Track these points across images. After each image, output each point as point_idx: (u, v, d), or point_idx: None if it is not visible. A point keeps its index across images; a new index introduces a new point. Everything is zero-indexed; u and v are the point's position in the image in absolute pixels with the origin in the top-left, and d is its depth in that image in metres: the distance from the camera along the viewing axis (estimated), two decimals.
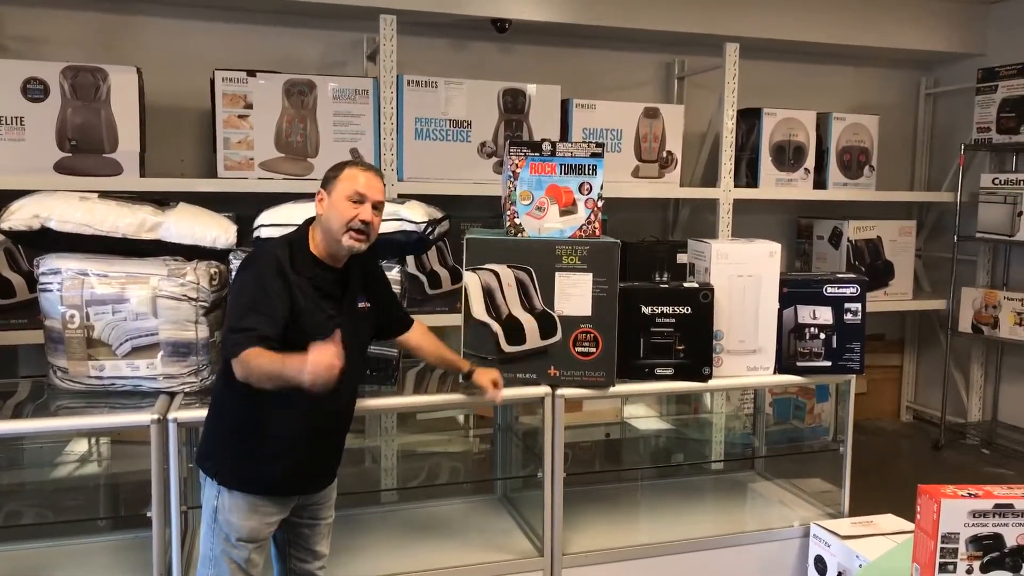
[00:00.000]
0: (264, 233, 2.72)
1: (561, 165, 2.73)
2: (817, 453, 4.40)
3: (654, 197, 4.72)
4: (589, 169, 2.74)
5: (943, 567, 2.13)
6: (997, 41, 5.11)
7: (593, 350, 2.75)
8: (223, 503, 2.18)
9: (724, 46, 4.33)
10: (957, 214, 4.94)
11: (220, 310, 2.64)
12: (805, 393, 4.72)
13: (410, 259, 3.83)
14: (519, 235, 2.75)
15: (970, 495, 2.13)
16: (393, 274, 2.76)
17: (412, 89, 3.91)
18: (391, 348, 2.66)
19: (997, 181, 4.72)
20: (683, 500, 3.43)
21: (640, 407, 4.28)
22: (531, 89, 4.10)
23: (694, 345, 2.85)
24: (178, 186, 3.58)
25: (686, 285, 2.89)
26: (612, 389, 2.80)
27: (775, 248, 2.96)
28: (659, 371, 2.85)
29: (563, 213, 2.75)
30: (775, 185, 4.67)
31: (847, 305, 3.00)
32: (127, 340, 2.55)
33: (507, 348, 2.73)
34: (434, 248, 3.84)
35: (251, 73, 3.73)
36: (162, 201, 2.73)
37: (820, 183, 4.82)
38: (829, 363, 3.01)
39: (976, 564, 2.13)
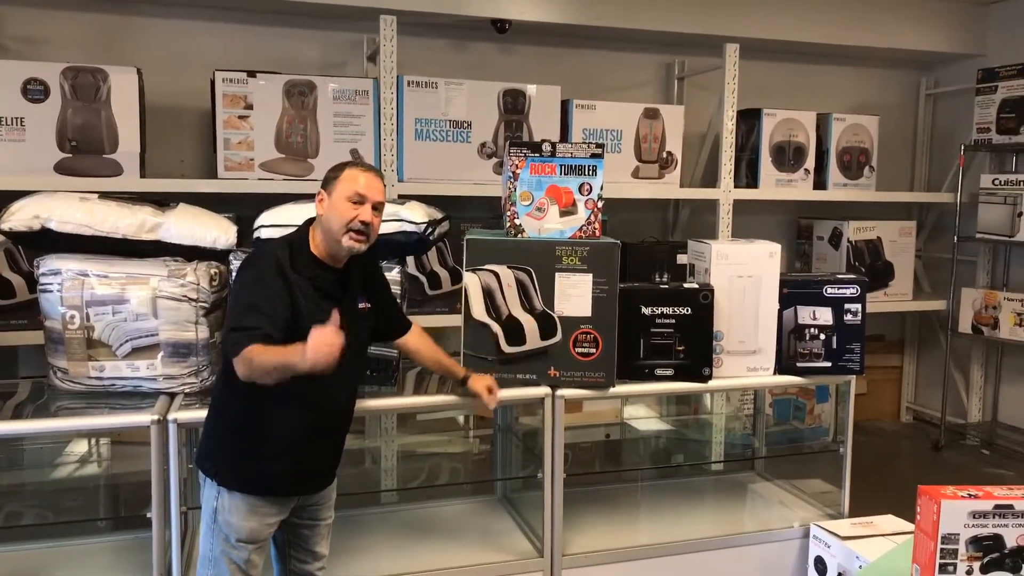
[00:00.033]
0: (264, 234, 2.72)
1: (561, 166, 2.73)
2: (817, 454, 4.40)
3: (654, 198, 4.72)
4: (589, 170, 2.74)
5: (943, 568, 2.13)
6: (997, 41, 5.11)
7: (593, 351, 2.75)
8: (223, 504, 2.18)
9: (724, 47, 4.33)
10: (957, 215, 4.95)
11: (220, 311, 2.64)
12: (805, 394, 4.72)
13: (410, 260, 3.83)
14: (519, 236, 2.75)
15: (970, 496, 2.13)
16: (393, 275, 2.76)
17: (412, 90, 3.91)
18: (391, 349, 2.66)
19: (997, 182, 4.72)
20: (683, 501, 3.43)
21: (640, 408, 4.28)
22: (531, 90, 4.10)
23: (694, 346, 2.85)
24: (178, 187, 3.58)
25: (686, 286, 2.89)
26: (612, 390, 2.80)
27: (775, 249, 2.96)
28: (659, 372, 2.85)
29: (563, 214, 2.75)
30: (775, 186, 4.67)
31: (847, 306, 3.00)
32: (127, 341, 2.55)
33: (507, 349, 2.73)
34: (434, 249, 3.84)
35: (251, 74, 3.73)
36: (162, 202, 2.73)
37: (820, 184, 4.82)
38: (829, 364, 3.01)
39: (976, 565, 2.13)
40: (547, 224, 2.75)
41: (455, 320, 2.93)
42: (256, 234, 2.77)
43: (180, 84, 3.96)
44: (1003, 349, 5.16)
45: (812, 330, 3.00)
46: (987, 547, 2.13)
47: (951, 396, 5.18)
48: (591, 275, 2.72)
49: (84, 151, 3.50)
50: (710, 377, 2.88)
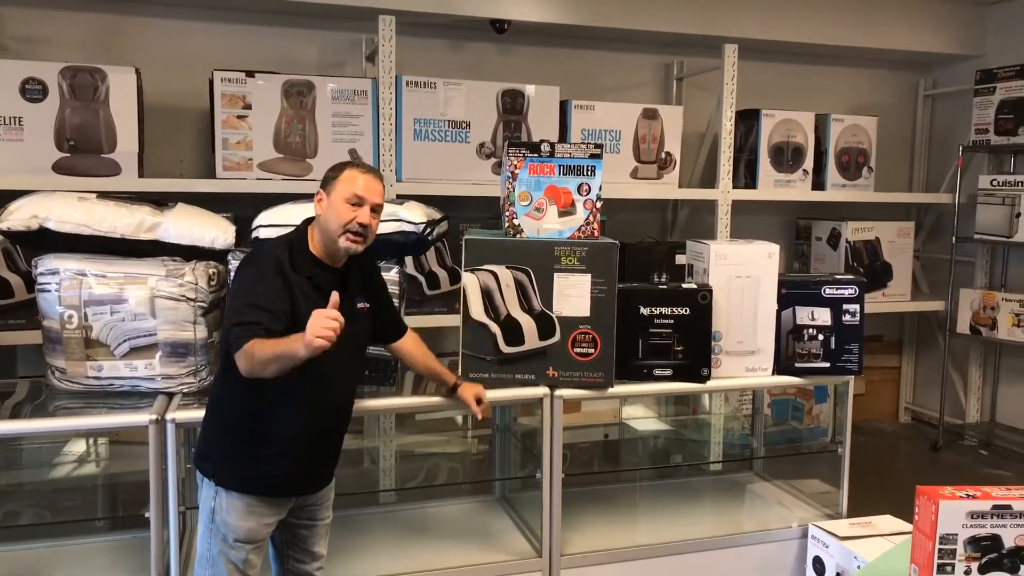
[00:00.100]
0: (263, 233, 2.72)
1: (560, 166, 2.73)
2: (815, 454, 4.39)
3: (653, 198, 4.72)
4: (588, 170, 2.74)
5: (941, 568, 2.13)
6: (995, 43, 5.11)
7: (592, 351, 2.75)
8: (220, 504, 2.18)
9: (723, 47, 4.34)
10: (955, 215, 4.95)
11: (218, 310, 2.64)
12: (803, 394, 4.73)
13: (409, 260, 3.83)
14: (518, 236, 2.75)
15: (968, 496, 2.13)
16: (392, 275, 2.76)
17: (411, 90, 3.91)
18: None
19: (995, 182, 4.73)
20: (681, 501, 3.43)
21: (639, 408, 4.28)
22: (530, 90, 4.10)
23: (693, 346, 2.85)
24: (177, 186, 3.58)
25: (685, 286, 2.89)
26: (611, 390, 2.80)
27: (774, 249, 2.96)
28: (658, 372, 2.86)
29: (562, 214, 2.75)
30: (773, 186, 4.67)
31: (845, 306, 3.00)
32: (125, 340, 2.55)
33: (505, 349, 2.73)
34: (433, 249, 3.84)
35: (250, 74, 3.73)
36: (160, 201, 2.72)
37: (818, 184, 4.82)
38: (827, 364, 3.01)
39: (974, 565, 2.13)
40: (546, 224, 2.75)
41: (454, 320, 2.93)
42: (254, 234, 2.77)
43: (179, 84, 3.96)
44: (1001, 350, 5.16)
45: (810, 330, 3.00)
46: (985, 547, 2.13)
47: (949, 397, 5.19)
48: (590, 275, 2.72)
49: (82, 151, 3.50)
50: (708, 377, 2.89)
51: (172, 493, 2.40)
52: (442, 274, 4.05)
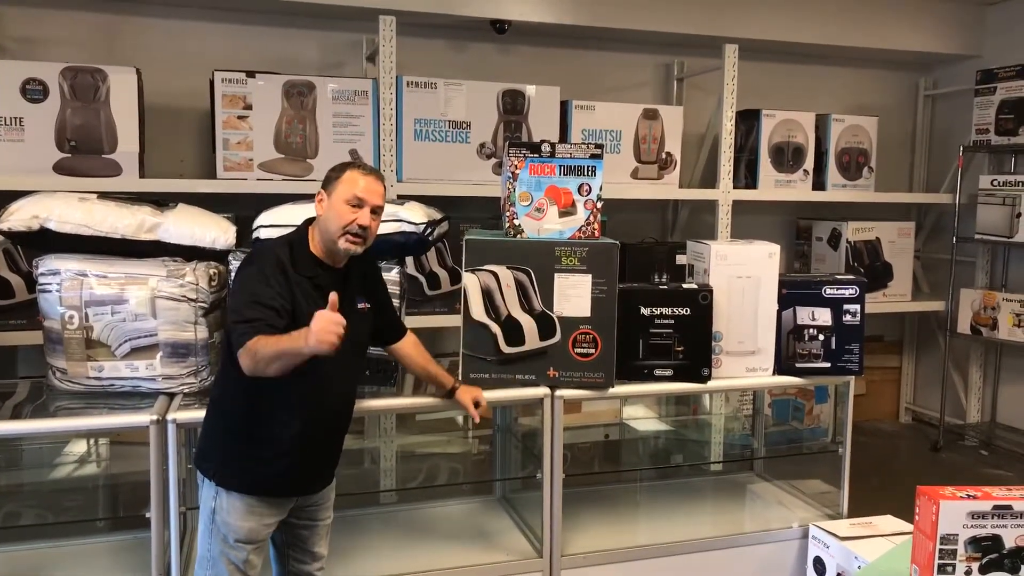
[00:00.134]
0: (263, 234, 2.72)
1: (560, 166, 2.73)
2: (816, 454, 4.40)
3: (653, 198, 4.72)
4: (588, 170, 2.74)
5: (942, 568, 2.13)
6: (995, 43, 5.11)
7: (592, 351, 2.75)
8: (221, 504, 2.18)
9: (723, 47, 4.34)
10: (956, 215, 4.95)
11: (219, 311, 2.65)
12: (804, 394, 4.73)
13: (409, 260, 3.83)
14: (518, 236, 2.75)
15: (969, 496, 2.13)
16: (392, 275, 2.76)
17: (411, 90, 3.91)
18: None
19: (996, 182, 4.73)
20: (682, 501, 3.43)
21: (639, 408, 4.28)
22: (530, 90, 4.11)
23: (693, 346, 2.85)
24: (177, 187, 3.58)
25: (685, 286, 2.89)
26: (611, 390, 2.80)
27: (774, 249, 2.96)
28: (658, 372, 2.86)
29: (562, 214, 2.75)
30: (774, 186, 4.67)
31: (846, 306, 3.00)
32: (126, 341, 2.55)
33: (506, 349, 2.73)
34: (433, 249, 3.84)
35: (250, 74, 3.73)
36: (161, 202, 2.72)
37: (819, 184, 4.82)
38: (828, 364, 3.01)
39: (975, 566, 2.13)
40: (546, 225, 2.75)
41: (454, 320, 2.93)
42: (255, 234, 2.77)
43: (179, 84, 3.96)
44: (1002, 350, 5.16)
45: (811, 331, 3.00)
46: (986, 548, 2.13)
47: (950, 397, 5.19)
48: (590, 275, 2.72)
49: (83, 151, 3.50)
50: (709, 377, 2.88)
51: (173, 493, 2.40)
52: (443, 274, 4.06)
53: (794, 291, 3.00)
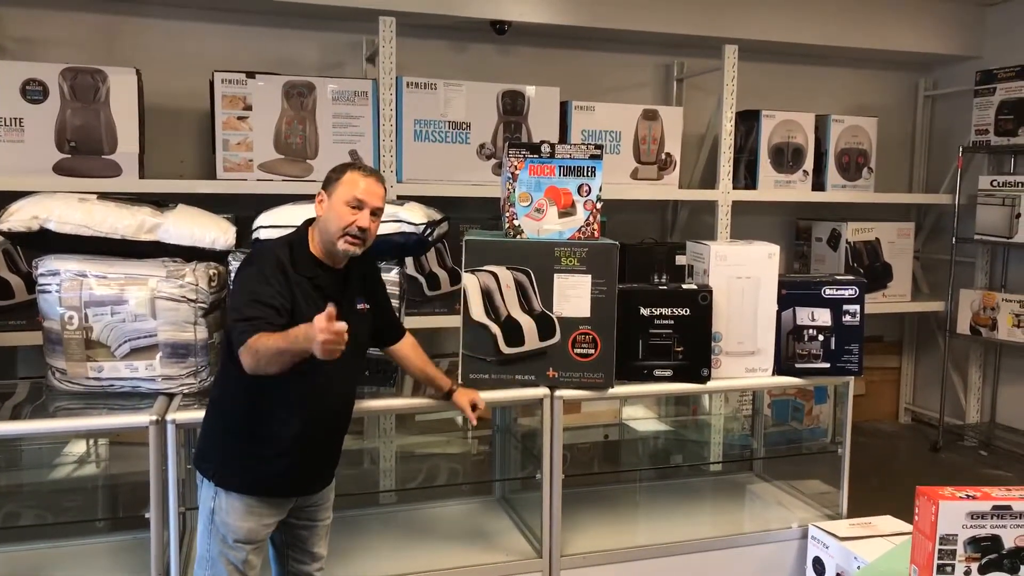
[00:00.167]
0: (263, 234, 2.72)
1: (560, 167, 2.73)
2: (815, 455, 4.39)
3: (653, 199, 4.72)
4: (588, 171, 2.75)
5: (941, 569, 2.13)
6: (995, 43, 5.11)
7: (592, 351, 2.75)
8: (220, 504, 2.18)
9: (723, 48, 4.34)
10: (955, 216, 4.95)
11: (219, 311, 2.65)
12: (803, 395, 4.73)
13: (409, 261, 3.83)
14: (518, 237, 2.75)
15: (968, 497, 2.13)
16: (392, 276, 2.76)
17: (411, 91, 3.92)
18: None
19: (995, 183, 4.73)
20: (682, 501, 3.43)
21: (639, 408, 4.28)
22: (530, 91, 4.11)
23: (693, 347, 2.86)
24: (177, 187, 3.58)
25: (685, 287, 2.89)
26: (611, 390, 2.80)
27: (774, 250, 2.96)
28: (658, 372, 2.86)
29: (562, 215, 2.75)
30: (774, 187, 4.68)
31: (845, 307, 3.00)
32: (126, 341, 2.55)
33: (506, 350, 2.73)
34: (433, 250, 3.84)
35: (250, 75, 3.73)
36: (161, 202, 2.73)
37: (819, 185, 4.83)
38: (827, 365, 3.01)
39: (974, 566, 2.13)
40: (546, 225, 2.75)
41: (454, 321, 2.93)
42: (255, 235, 2.77)
43: (179, 85, 3.96)
44: (1001, 350, 5.16)
45: (811, 331, 3.00)
46: (985, 548, 2.13)
47: (949, 397, 5.19)
48: (590, 276, 2.72)
49: (83, 152, 3.50)
50: (709, 378, 2.89)
51: (172, 494, 2.40)
52: (442, 275, 4.06)
53: (794, 292, 3.00)
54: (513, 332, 2.72)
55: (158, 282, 2.55)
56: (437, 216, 2.88)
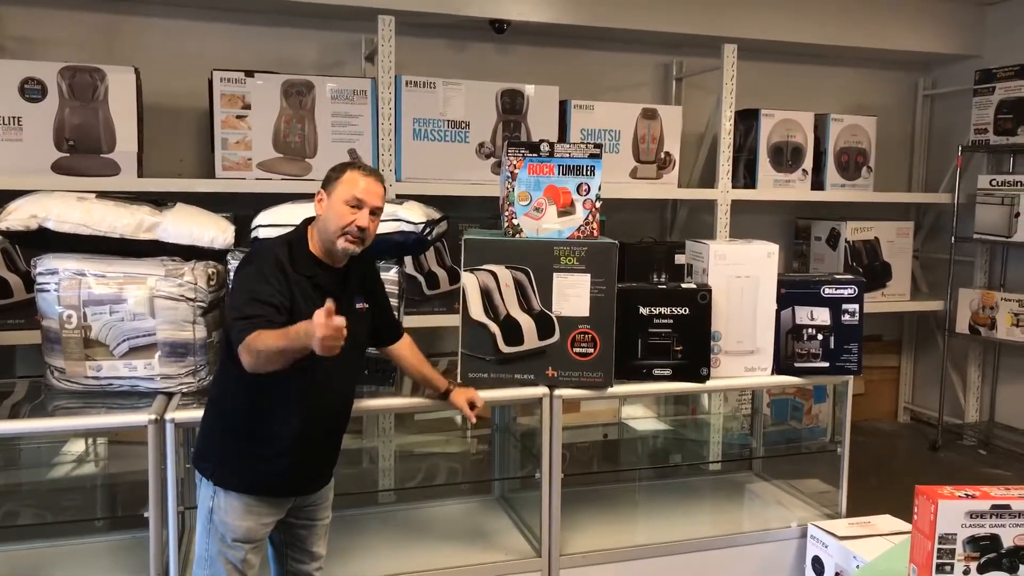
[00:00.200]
0: (262, 233, 2.72)
1: (559, 166, 2.73)
2: (815, 454, 4.39)
3: (652, 198, 4.72)
4: (587, 170, 2.74)
5: (940, 568, 2.13)
6: (994, 43, 5.12)
7: (591, 351, 2.75)
8: (219, 503, 2.18)
9: (722, 47, 4.34)
10: (955, 215, 4.95)
11: (218, 310, 2.65)
12: (803, 394, 4.73)
13: (408, 260, 3.83)
14: (517, 236, 2.75)
15: (967, 496, 2.13)
16: (391, 275, 2.76)
17: (410, 90, 3.91)
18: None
19: (994, 182, 4.73)
20: (681, 501, 3.43)
21: (638, 408, 4.28)
22: (529, 90, 4.11)
23: (692, 346, 2.85)
24: (176, 186, 3.58)
25: (684, 286, 2.89)
26: (610, 390, 2.80)
27: (773, 249, 2.96)
28: (657, 372, 2.86)
29: (561, 214, 2.75)
30: (773, 186, 4.68)
31: (845, 306, 3.00)
32: (124, 340, 2.55)
33: (505, 349, 2.73)
34: (432, 249, 3.85)
35: (249, 73, 3.73)
36: (160, 201, 2.72)
37: (818, 184, 4.83)
38: (827, 364, 3.01)
39: (973, 565, 2.14)
40: (545, 224, 2.75)
41: (453, 320, 2.93)
42: (254, 233, 2.76)
43: (178, 84, 3.96)
44: (1000, 349, 5.16)
45: (810, 330, 3.00)
46: (984, 547, 2.13)
47: (948, 396, 5.19)
48: (589, 275, 2.72)
49: (82, 151, 3.50)
50: (708, 377, 2.89)
51: (171, 493, 2.40)
52: (441, 274, 4.05)
53: (793, 291, 3.00)
54: (512, 331, 2.72)
55: (157, 281, 2.54)
56: (436, 215, 2.88)
